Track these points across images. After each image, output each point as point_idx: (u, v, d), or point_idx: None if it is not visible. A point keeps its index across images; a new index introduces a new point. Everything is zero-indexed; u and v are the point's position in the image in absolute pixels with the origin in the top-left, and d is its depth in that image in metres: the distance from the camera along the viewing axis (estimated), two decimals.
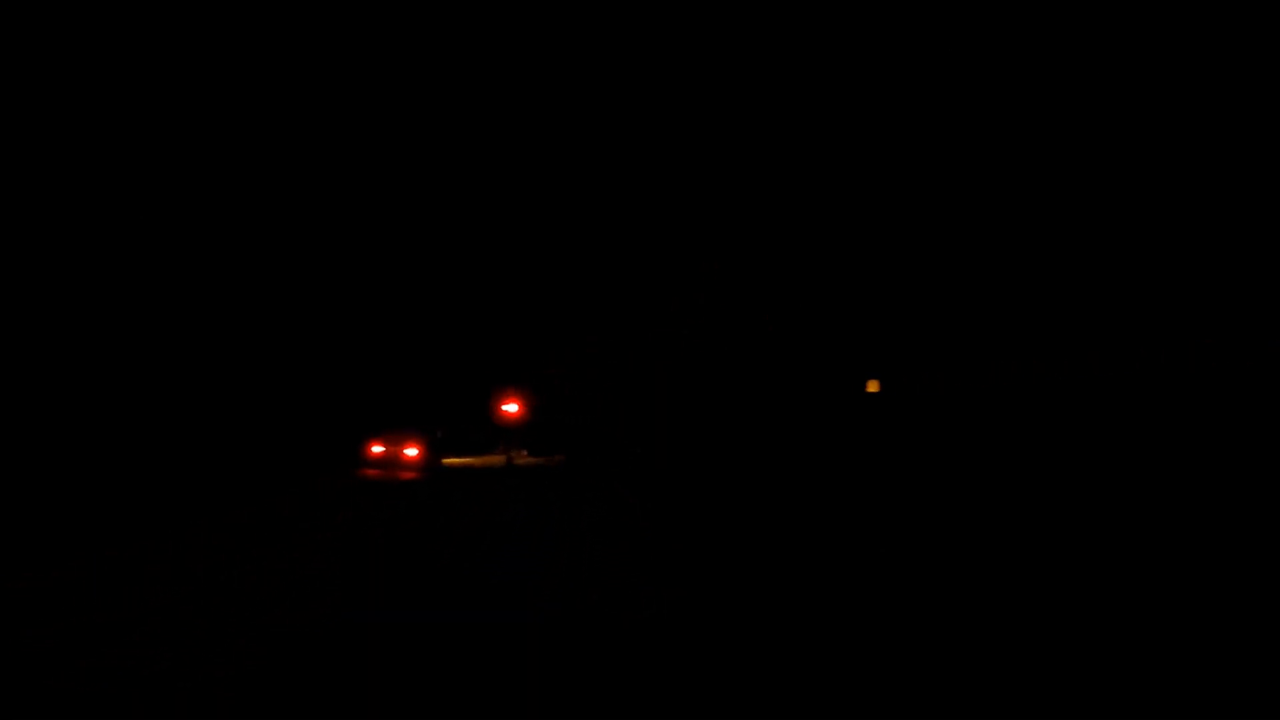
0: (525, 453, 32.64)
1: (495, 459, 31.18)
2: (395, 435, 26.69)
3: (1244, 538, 9.82)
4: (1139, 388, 14.22)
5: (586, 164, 27.01)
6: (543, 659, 5.30)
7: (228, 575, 8.41)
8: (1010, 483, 14.56)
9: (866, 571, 8.54)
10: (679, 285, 25.98)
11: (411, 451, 26.43)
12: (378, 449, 26.52)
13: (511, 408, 30.72)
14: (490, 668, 5.10)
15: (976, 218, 17.76)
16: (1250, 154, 13.81)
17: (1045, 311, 16.27)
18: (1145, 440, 13.48)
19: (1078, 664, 5.13)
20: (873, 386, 19.00)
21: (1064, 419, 15.06)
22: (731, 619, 6.42)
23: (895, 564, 8.89)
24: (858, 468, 18.32)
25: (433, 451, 27.18)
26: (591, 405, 30.79)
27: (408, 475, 24.37)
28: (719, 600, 7.12)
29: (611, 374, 29.80)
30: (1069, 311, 15.84)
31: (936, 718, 4.28)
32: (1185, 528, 10.59)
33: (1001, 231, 17.27)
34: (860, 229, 20.28)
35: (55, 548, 10.01)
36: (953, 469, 16.13)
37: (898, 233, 19.43)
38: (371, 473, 24.95)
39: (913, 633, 5.93)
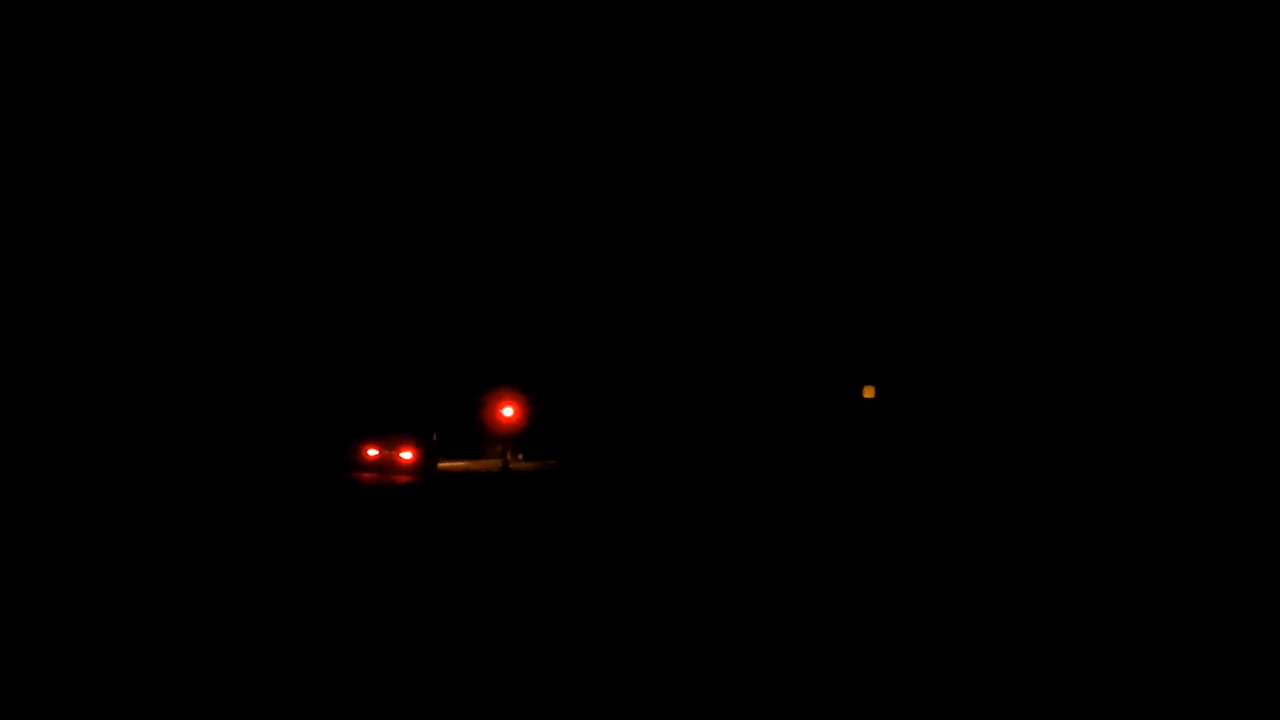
0: (521, 456, 32.57)
1: (491, 463, 31.08)
2: (389, 438, 26.39)
3: (1244, 537, 9.82)
4: (1139, 388, 14.22)
5: (586, 164, 27.01)
6: (543, 659, 5.30)
7: (228, 575, 8.41)
8: (1011, 483, 14.56)
9: (866, 571, 8.54)
10: (679, 285, 25.98)
11: (406, 455, 26.18)
12: (372, 452, 26.25)
13: (508, 411, 30.61)
14: (490, 668, 5.10)
15: (977, 219, 17.76)
16: (1250, 154, 13.80)
17: (1045, 312, 16.27)
18: (1146, 440, 13.48)
19: (1078, 664, 5.13)
20: (869, 392, 19.02)
21: (1064, 419, 15.06)
22: (731, 619, 6.42)
23: (895, 564, 8.89)
24: (858, 467, 18.33)
25: (428, 455, 26.93)
26: (591, 405, 30.79)
27: (402, 479, 24.17)
28: (719, 600, 7.12)
29: (611, 374, 29.80)
30: (1069, 312, 15.84)
31: (936, 718, 4.28)
32: (1186, 527, 10.59)
33: (1002, 232, 17.26)
34: (860, 229, 20.28)
35: (55, 548, 10.01)
36: (954, 469, 16.13)
37: (898, 233, 19.43)
38: (365, 476, 24.73)
39: (913, 632, 5.94)
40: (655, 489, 19.03)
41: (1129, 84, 15.29)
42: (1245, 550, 9.18)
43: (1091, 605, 6.77)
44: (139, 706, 4.42)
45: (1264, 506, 10.58)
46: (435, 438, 28.07)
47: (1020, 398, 16.11)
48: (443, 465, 29.15)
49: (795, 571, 8.58)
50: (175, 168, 22.14)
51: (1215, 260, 13.95)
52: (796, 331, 22.36)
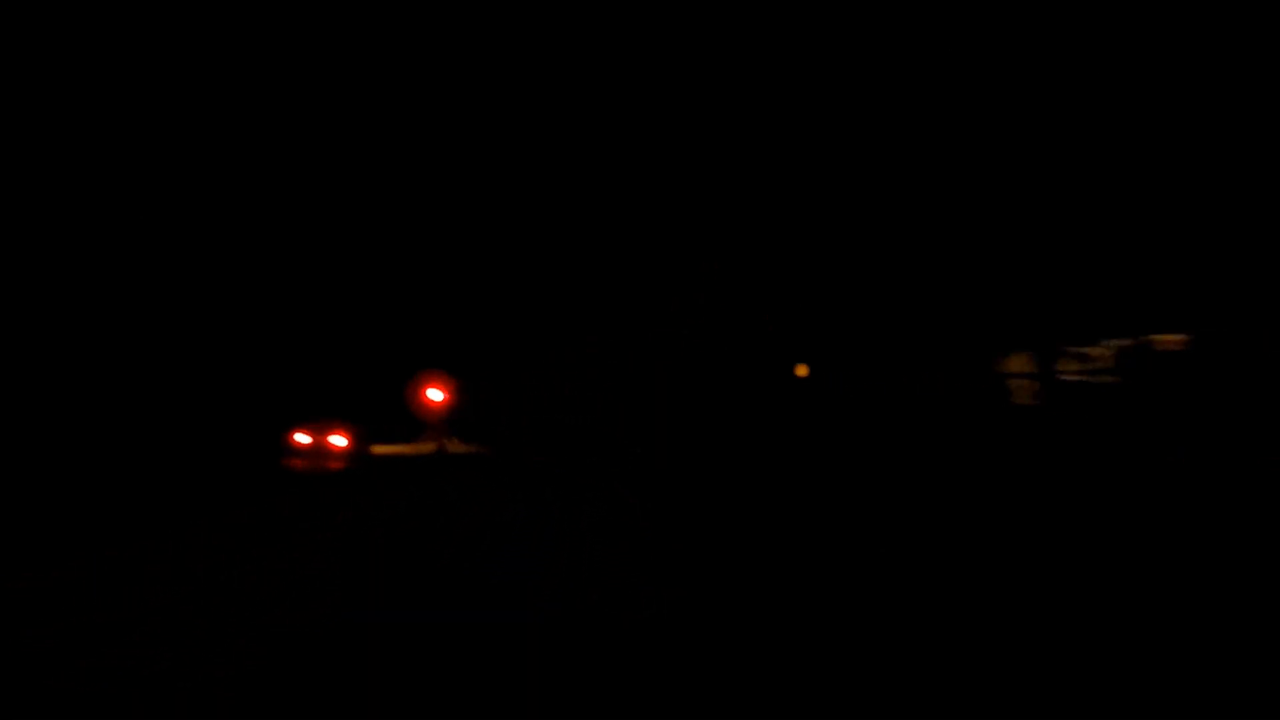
0: (458, 440, 32.10)
1: (427, 446, 30.70)
2: (321, 424, 26.09)
3: (1243, 540, 9.81)
4: (1141, 387, 14.22)
5: (585, 164, 26.99)
6: (543, 659, 5.30)
7: (228, 575, 8.41)
8: (1013, 484, 14.55)
9: (867, 572, 8.53)
10: (679, 285, 25.98)
11: (338, 440, 25.88)
12: (302, 438, 25.87)
13: (435, 394, 30.24)
14: (490, 668, 5.09)
15: (978, 218, 17.77)
16: (1250, 154, 13.80)
17: (1044, 311, 16.27)
18: (1147, 440, 13.48)
19: (1078, 665, 5.12)
20: (801, 371, 18.90)
21: (1064, 419, 15.07)
22: (731, 619, 6.41)
23: (896, 564, 8.88)
24: (858, 467, 18.32)
25: (361, 440, 26.58)
26: (591, 405, 30.77)
27: (335, 465, 23.92)
28: (719, 600, 7.12)
29: (611, 374, 29.78)
30: (1068, 311, 15.84)
31: (936, 718, 4.28)
32: (1185, 528, 10.58)
33: (1003, 230, 17.27)
34: (861, 229, 20.28)
35: (55, 548, 10.01)
36: (954, 467, 16.13)
37: (899, 234, 19.43)
38: (296, 463, 24.50)
39: (913, 633, 5.93)
40: (655, 489, 19.00)
41: (1128, 82, 15.29)
42: (1245, 553, 9.17)
43: (1091, 605, 6.77)
44: (139, 706, 4.42)
45: (1263, 508, 10.58)
46: (369, 423, 27.67)
47: (1019, 396, 16.11)
48: (377, 450, 28.66)
49: (796, 571, 8.57)
50: (177, 175, 22.09)
51: (1215, 260, 13.95)
52: (797, 331, 22.36)
